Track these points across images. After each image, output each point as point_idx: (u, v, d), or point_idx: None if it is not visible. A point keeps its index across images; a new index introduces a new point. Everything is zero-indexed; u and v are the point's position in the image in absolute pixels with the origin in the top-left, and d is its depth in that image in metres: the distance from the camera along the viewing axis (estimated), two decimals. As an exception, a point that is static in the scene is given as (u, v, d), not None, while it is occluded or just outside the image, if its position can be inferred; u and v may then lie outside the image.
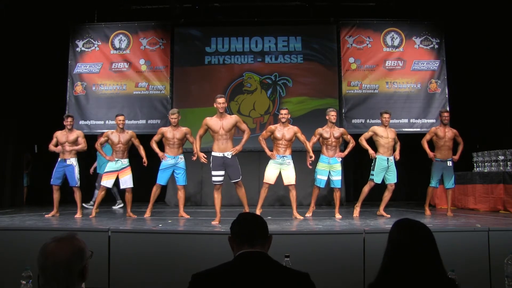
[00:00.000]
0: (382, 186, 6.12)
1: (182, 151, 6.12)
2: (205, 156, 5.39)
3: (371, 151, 5.97)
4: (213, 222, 5.13)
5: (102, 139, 6.22)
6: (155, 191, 6.02)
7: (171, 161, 5.97)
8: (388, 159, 6.02)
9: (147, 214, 5.96)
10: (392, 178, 6.02)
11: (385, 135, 6.04)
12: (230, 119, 5.35)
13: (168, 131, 6.02)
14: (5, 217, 5.59)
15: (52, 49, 8.42)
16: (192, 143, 5.88)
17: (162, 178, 5.99)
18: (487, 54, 7.93)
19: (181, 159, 6.05)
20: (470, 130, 7.52)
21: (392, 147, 6.08)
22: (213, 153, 5.35)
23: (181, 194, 6.09)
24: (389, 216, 5.88)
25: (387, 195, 6.07)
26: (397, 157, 6.04)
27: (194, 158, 5.82)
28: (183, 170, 6.04)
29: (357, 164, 8.92)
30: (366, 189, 6.06)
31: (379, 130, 6.08)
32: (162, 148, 6.13)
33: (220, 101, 5.27)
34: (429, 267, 1.62)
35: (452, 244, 3.97)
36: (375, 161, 6.00)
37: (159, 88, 8.59)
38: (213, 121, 5.32)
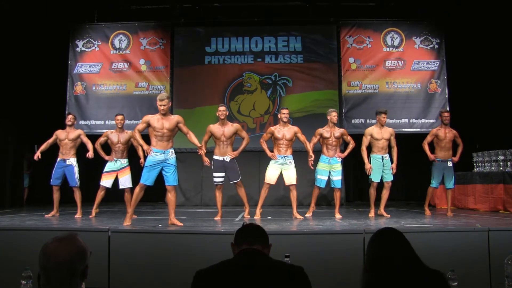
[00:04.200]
0: (382, 185, 6.13)
1: (172, 145, 5.02)
2: (209, 161, 5.61)
3: (368, 166, 5.97)
4: (215, 218, 5.71)
5: (101, 139, 6.22)
6: (138, 193, 4.91)
7: (160, 157, 4.88)
8: (382, 157, 6.03)
9: (127, 223, 4.87)
10: (388, 176, 6.03)
11: (379, 137, 6.05)
12: (232, 128, 5.81)
13: (156, 120, 4.91)
14: (5, 217, 5.59)
15: (52, 49, 8.42)
16: (186, 133, 5.04)
17: (148, 177, 4.88)
18: (487, 54, 7.93)
19: (171, 154, 4.94)
20: (470, 130, 7.52)
21: (386, 147, 6.09)
22: (214, 157, 5.82)
23: (171, 197, 5.00)
24: (389, 216, 5.88)
25: (385, 193, 6.08)
26: (394, 168, 6.01)
27: (200, 152, 5.28)
28: (174, 167, 4.95)
29: (358, 164, 8.91)
30: (371, 191, 6.09)
31: (374, 132, 6.07)
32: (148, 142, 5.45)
33: (221, 109, 5.77)
34: (412, 267, 1.63)
35: (452, 244, 3.98)
36: (370, 161, 6.02)
37: (159, 88, 8.60)
38: (215, 128, 5.81)
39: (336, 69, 8.58)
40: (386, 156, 6.07)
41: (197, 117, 8.33)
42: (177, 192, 6.27)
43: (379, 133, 6.06)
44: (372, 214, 6.01)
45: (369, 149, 6.11)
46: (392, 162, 6.04)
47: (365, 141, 6.08)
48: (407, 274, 1.60)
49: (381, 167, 6.01)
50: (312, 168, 5.96)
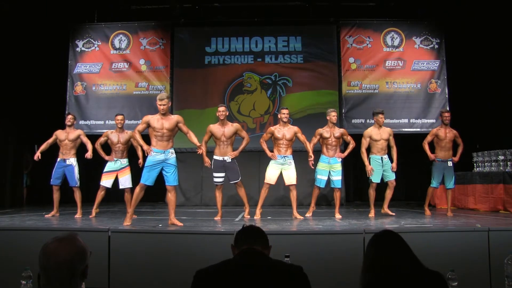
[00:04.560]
0: (382, 186, 6.13)
1: (172, 145, 5.02)
2: (209, 161, 5.66)
3: (368, 168, 5.98)
4: (215, 218, 5.70)
5: (101, 139, 6.22)
6: (138, 193, 4.91)
7: (160, 157, 4.88)
8: (382, 158, 6.04)
9: (127, 223, 4.87)
10: (390, 175, 6.04)
11: (378, 137, 6.06)
12: (231, 127, 5.80)
13: (155, 120, 4.91)
14: (5, 217, 5.59)
15: (52, 49, 8.43)
16: (186, 133, 5.04)
17: (149, 177, 4.88)
18: (487, 54, 7.93)
19: (171, 154, 4.95)
20: (470, 130, 7.52)
21: (386, 147, 6.10)
22: (214, 157, 5.81)
23: (171, 197, 5.00)
24: (394, 214, 5.89)
25: (389, 193, 6.09)
26: (394, 168, 6.02)
27: (200, 151, 5.25)
28: (174, 167, 4.95)
29: (358, 164, 8.91)
30: (371, 191, 6.09)
31: (373, 133, 6.08)
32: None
33: (221, 109, 5.77)
34: (411, 269, 1.63)
35: (452, 244, 3.98)
36: (369, 162, 6.01)
37: (159, 88, 8.59)
38: (215, 128, 5.80)
39: (336, 69, 8.58)
40: (385, 157, 6.08)
41: (197, 119, 8.27)
42: (177, 192, 6.25)
43: (377, 134, 6.07)
44: (372, 214, 6.00)
45: (368, 150, 6.12)
46: (392, 162, 6.05)
47: (365, 143, 6.08)
48: (406, 275, 1.60)
49: (380, 168, 6.02)
50: (313, 168, 5.97)
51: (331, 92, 8.53)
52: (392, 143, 6.12)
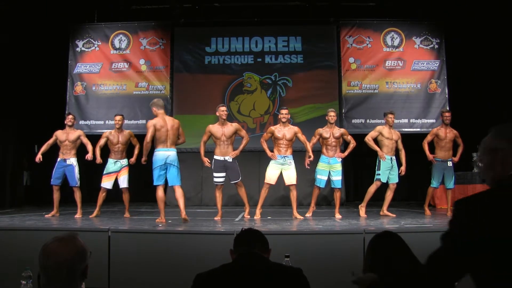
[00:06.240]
0: (382, 187, 6.11)
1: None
2: (209, 161, 5.75)
3: (380, 153, 5.96)
4: (215, 218, 5.67)
5: (101, 141, 6.16)
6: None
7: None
8: (391, 158, 6.03)
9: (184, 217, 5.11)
10: (394, 178, 6.04)
11: (390, 136, 6.06)
12: (231, 127, 5.82)
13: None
14: (5, 217, 5.59)
15: (52, 49, 8.42)
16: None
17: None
18: (487, 54, 7.92)
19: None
20: (470, 130, 7.52)
21: (394, 149, 6.10)
22: (215, 157, 5.82)
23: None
24: (394, 215, 5.87)
25: (389, 195, 6.08)
26: (403, 171, 6.02)
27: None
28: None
29: (358, 164, 8.91)
30: (372, 189, 6.03)
31: (384, 131, 6.08)
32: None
33: (223, 109, 5.80)
34: (411, 269, 1.64)
35: (452, 244, 3.97)
36: (379, 161, 5.99)
37: (159, 88, 8.59)
38: (215, 128, 5.81)
39: (336, 69, 8.57)
40: (394, 158, 6.07)
41: (197, 123, 8.17)
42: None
43: (389, 132, 6.08)
44: (362, 213, 5.97)
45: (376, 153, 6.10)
46: (400, 165, 6.04)
47: (373, 134, 6.07)
48: (406, 276, 1.61)
49: (389, 169, 6.00)
50: (308, 168, 5.96)
51: (331, 92, 8.50)
52: (401, 146, 6.11)
